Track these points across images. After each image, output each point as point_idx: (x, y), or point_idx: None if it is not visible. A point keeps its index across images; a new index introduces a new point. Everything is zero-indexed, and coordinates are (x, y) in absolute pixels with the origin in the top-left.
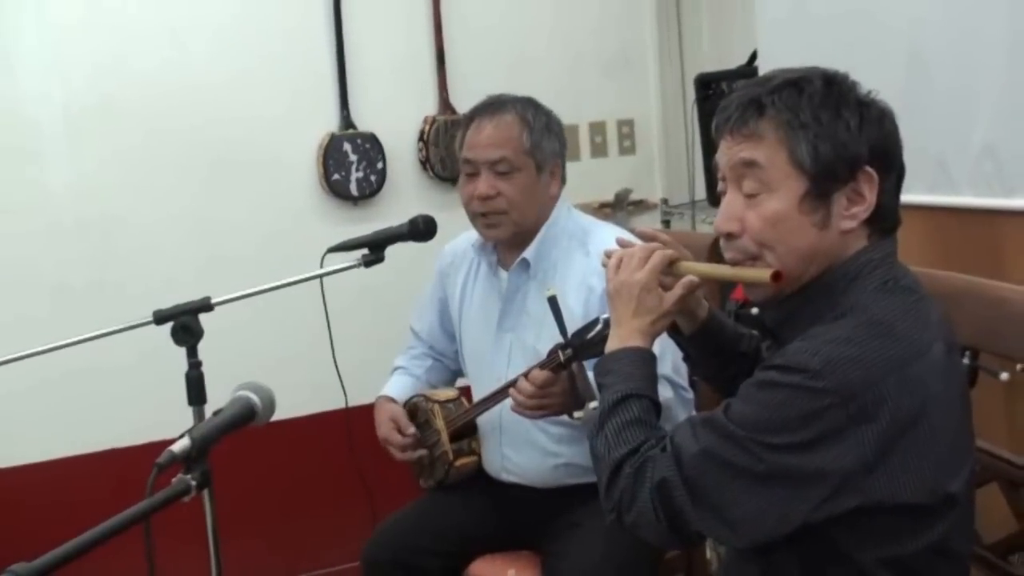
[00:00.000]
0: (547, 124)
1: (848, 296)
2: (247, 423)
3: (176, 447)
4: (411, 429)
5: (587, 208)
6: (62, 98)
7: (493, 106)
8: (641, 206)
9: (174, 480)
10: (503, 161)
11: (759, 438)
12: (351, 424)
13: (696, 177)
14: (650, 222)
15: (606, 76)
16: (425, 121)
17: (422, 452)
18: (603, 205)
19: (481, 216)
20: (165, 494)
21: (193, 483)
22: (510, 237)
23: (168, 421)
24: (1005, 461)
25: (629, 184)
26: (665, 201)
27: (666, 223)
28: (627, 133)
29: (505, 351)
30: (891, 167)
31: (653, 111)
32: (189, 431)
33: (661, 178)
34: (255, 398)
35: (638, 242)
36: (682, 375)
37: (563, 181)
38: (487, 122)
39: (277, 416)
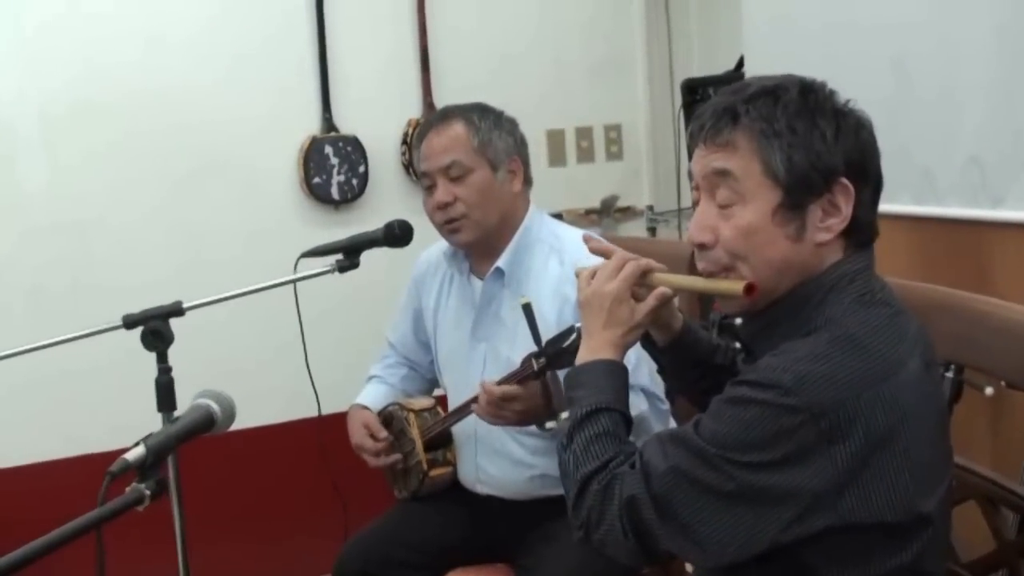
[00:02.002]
0: (496, 122)
1: (822, 310)
2: (205, 431)
3: (130, 455)
4: (383, 433)
5: (573, 214)
6: (37, 99)
7: (440, 117)
8: (628, 213)
9: (128, 489)
10: (454, 165)
11: (729, 456)
12: (324, 433)
13: (683, 184)
14: (636, 229)
15: (593, 80)
16: (409, 124)
17: (396, 457)
18: (589, 211)
19: (444, 224)
20: (117, 503)
21: (147, 492)
22: (477, 241)
23: (138, 428)
24: (983, 478)
25: (616, 190)
26: (651, 208)
27: (652, 230)
28: (614, 138)
29: (479, 360)
30: (867, 179)
31: (641, 116)
32: (144, 439)
33: (648, 184)
34: (214, 406)
35: (612, 247)
36: (658, 386)
37: (528, 181)
38: (435, 133)
39: (249, 424)
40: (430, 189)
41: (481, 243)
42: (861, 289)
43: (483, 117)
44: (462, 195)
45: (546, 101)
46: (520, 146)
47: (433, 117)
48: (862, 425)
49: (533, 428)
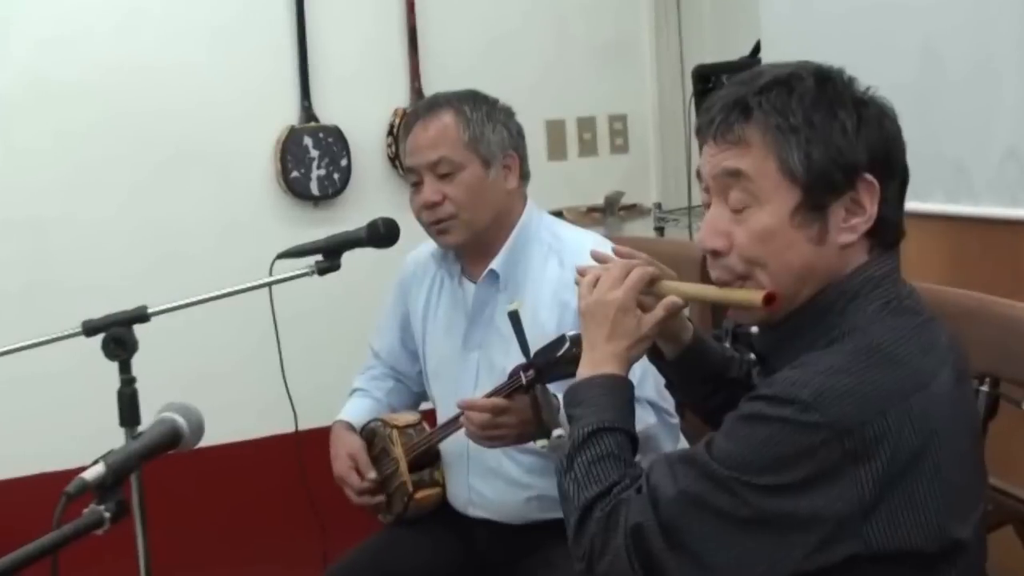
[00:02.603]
0: (488, 113)
1: (845, 318)
2: (171, 448)
3: (88, 474)
4: (372, 474)
5: (574, 213)
6: None
7: (427, 106)
8: (633, 211)
9: (85, 511)
10: (443, 162)
11: (744, 478)
12: (302, 450)
13: (694, 179)
14: (643, 229)
15: (597, 65)
16: (395, 113)
17: (379, 499)
18: (591, 209)
19: (432, 225)
20: (74, 527)
21: (107, 515)
22: (468, 242)
23: (98, 444)
24: (1021, 501)
25: (621, 186)
26: (659, 206)
27: (660, 230)
28: (619, 130)
29: (472, 371)
30: (893, 173)
31: (649, 106)
32: (104, 456)
33: (656, 180)
34: (180, 420)
35: (607, 249)
36: (667, 399)
37: (525, 176)
38: (422, 125)
39: (219, 440)
40: (416, 186)
41: (472, 245)
42: (887, 295)
43: (475, 108)
44: (451, 194)
45: (545, 88)
46: (516, 139)
47: (420, 106)
48: (889, 444)
49: (530, 444)
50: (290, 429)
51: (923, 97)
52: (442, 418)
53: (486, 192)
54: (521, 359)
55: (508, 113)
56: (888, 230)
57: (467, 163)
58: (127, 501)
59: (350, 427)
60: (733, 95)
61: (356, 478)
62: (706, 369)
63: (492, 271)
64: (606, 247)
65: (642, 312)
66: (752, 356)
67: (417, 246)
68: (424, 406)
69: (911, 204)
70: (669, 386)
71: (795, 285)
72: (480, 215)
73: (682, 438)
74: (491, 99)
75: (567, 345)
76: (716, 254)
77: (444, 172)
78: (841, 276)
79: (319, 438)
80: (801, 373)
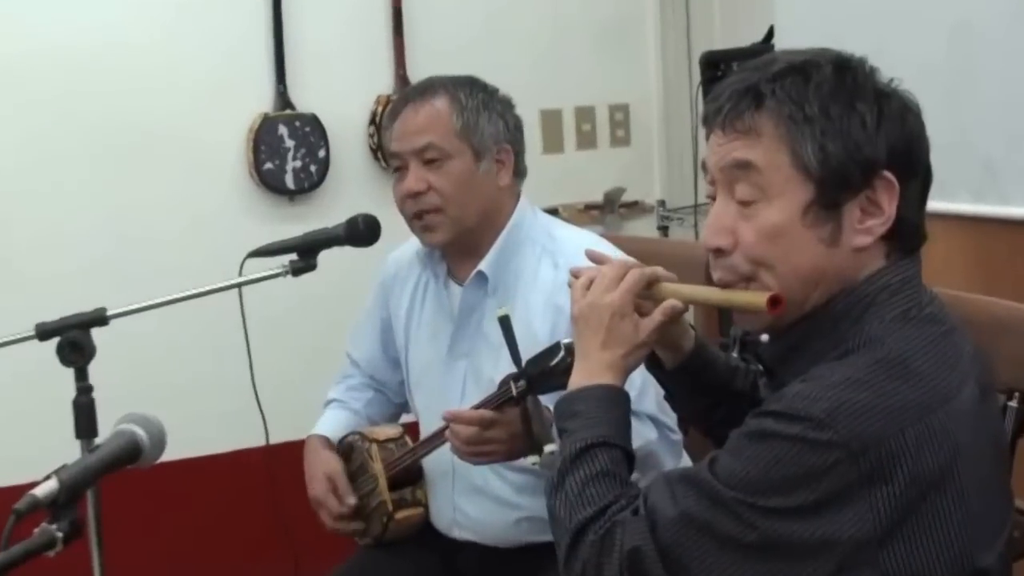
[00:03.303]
0: (485, 102)
1: (860, 328)
2: (130, 462)
3: (40, 490)
4: (351, 500)
5: (571, 210)
6: None
7: (420, 89)
8: (635, 208)
9: (36, 530)
10: (430, 148)
11: (750, 500)
12: (273, 465)
13: (701, 175)
14: (645, 228)
15: (597, 51)
16: (377, 101)
17: (357, 526)
18: (590, 207)
19: (415, 218)
20: (24, 547)
21: (60, 534)
22: (453, 240)
23: (51, 457)
24: None
25: (622, 182)
26: (663, 203)
27: (663, 230)
28: (621, 121)
29: (458, 381)
30: (914, 172)
31: (653, 95)
32: (57, 471)
33: (660, 175)
34: (140, 432)
35: (612, 255)
36: (669, 413)
37: (520, 173)
38: (412, 108)
39: (183, 454)
40: (400, 173)
41: (458, 244)
42: (906, 303)
43: (471, 95)
44: (437, 184)
45: (540, 75)
46: (513, 133)
47: (412, 89)
48: (908, 464)
49: (520, 461)
50: (260, 443)
51: (951, 88)
52: (425, 431)
53: (475, 186)
54: (511, 368)
55: (507, 104)
56: (907, 233)
57: (457, 153)
58: (82, 520)
59: (326, 442)
60: (744, 81)
61: (335, 502)
62: (709, 380)
63: (480, 273)
64: (605, 247)
65: (640, 317)
66: (755, 367)
67: (400, 245)
68: (406, 418)
69: (934, 203)
70: (668, 398)
71: (804, 289)
72: (467, 211)
73: (685, 456)
74: (490, 87)
75: (562, 354)
76: (719, 252)
77: (431, 158)
78: (855, 282)
79: (292, 453)
80: (813, 387)
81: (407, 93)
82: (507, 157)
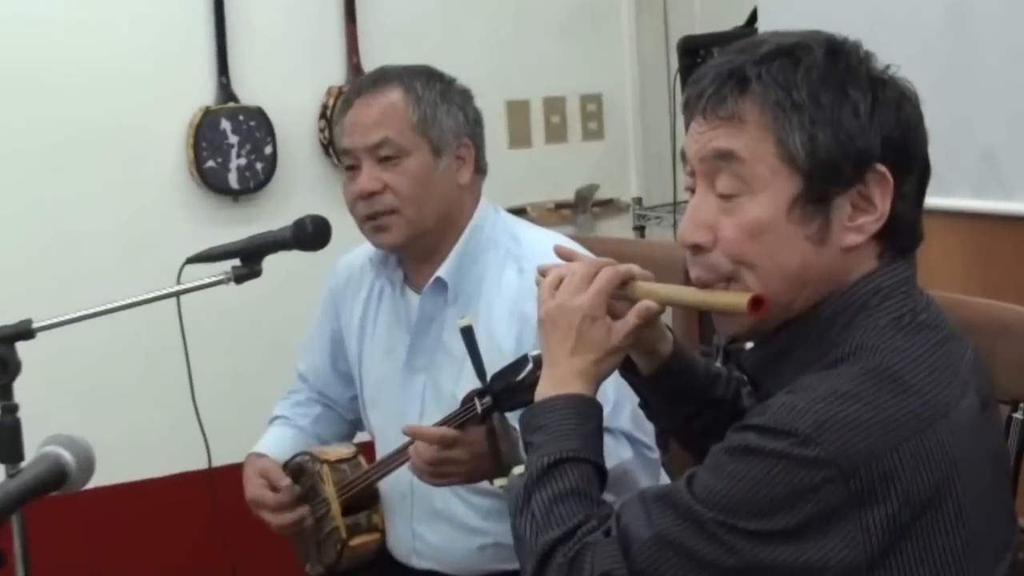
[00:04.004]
0: (443, 93)
1: (851, 334)
2: (56, 488)
3: None
4: (285, 481)
5: (539, 210)
6: None
7: (372, 80)
8: (610, 207)
9: None
10: (385, 144)
11: (731, 522)
12: (216, 490)
13: (680, 172)
14: (621, 228)
15: (567, 37)
16: (329, 92)
17: (303, 512)
18: (560, 205)
19: (368, 219)
20: None
21: None
22: (408, 244)
23: None
24: None
25: (595, 178)
26: (639, 201)
27: (640, 229)
28: (593, 112)
29: (416, 397)
30: (911, 166)
31: (627, 84)
32: None
33: (636, 171)
34: (66, 455)
35: (583, 253)
36: (645, 429)
37: (481, 170)
38: (364, 101)
39: (115, 479)
40: (352, 171)
41: (414, 247)
42: (900, 308)
43: (428, 85)
44: (392, 183)
45: (506, 63)
46: (472, 126)
47: (363, 80)
48: (901, 484)
49: (484, 484)
50: (202, 465)
51: (948, 72)
52: (381, 451)
53: (433, 184)
54: (474, 383)
55: (465, 96)
56: (902, 232)
57: (414, 148)
58: (6, 550)
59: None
60: (729, 64)
61: (269, 494)
62: (687, 387)
63: (439, 279)
64: (575, 249)
65: (612, 320)
66: (737, 374)
67: (352, 249)
68: (360, 437)
69: (932, 199)
70: (643, 406)
71: (789, 291)
72: (425, 211)
73: (663, 475)
74: (447, 78)
75: (530, 367)
76: (698, 249)
77: (386, 155)
78: (844, 284)
79: (236, 476)
80: (799, 399)
81: (358, 84)
82: (467, 153)
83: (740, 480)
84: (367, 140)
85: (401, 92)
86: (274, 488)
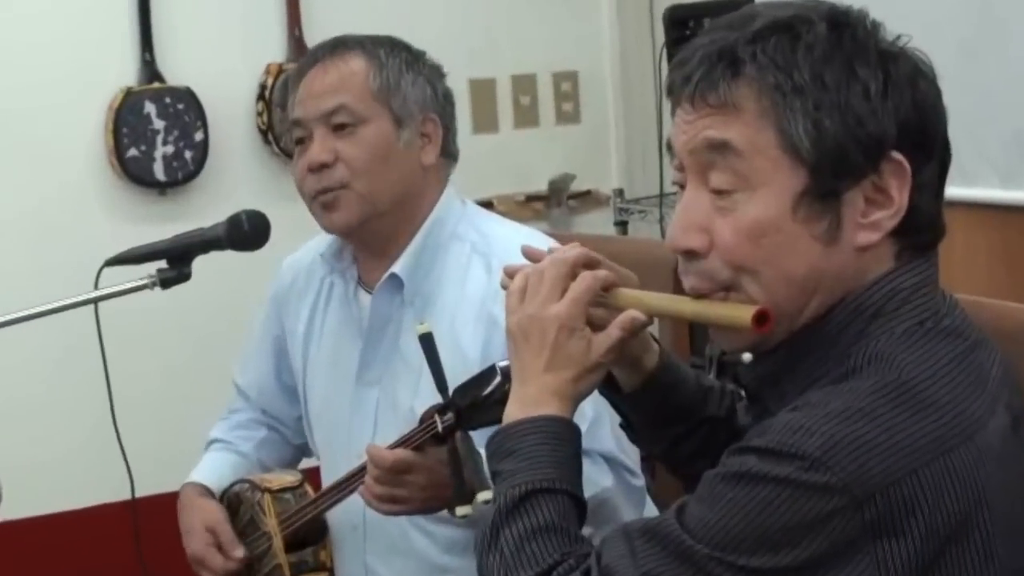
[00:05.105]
0: (408, 63)
1: (865, 344)
2: None
3: None
4: (238, 552)
5: (508, 203)
6: None
7: (331, 47)
8: (588, 199)
9: None
10: (340, 110)
11: (729, 558)
12: (140, 524)
13: (666, 160)
14: (600, 224)
15: (538, 7)
16: (267, 71)
17: None
18: (531, 198)
19: (316, 196)
20: None
21: None
22: (359, 225)
23: None
24: None
25: (571, 167)
26: (621, 193)
27: (622, 225)
28: (568, 92)
29: (370, 414)
30: (930, 152)
31: (606, 60)
32: None
33: (617, 159)
34: None
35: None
36: (629, 451)
37: (449, 154)
38: (321, 67)
39: (28, 512)
40: (302, 144)
41: (366, 231)
42: (920, 312)
43: (392, 53)
44: (346, 154)
45: (469, 37)
46: (442, 103)
47: (322, 45)
48: (923, 513)
49: (445, 514)
50: (124, 496)
51: (972, 46)
52: (329, 476)
53: (392, 158)
54: (436, 397)
55: (436, 71)
56: (922, 227)
57: (372, 117)
58: None
59: (205, 491)
60: (718, 43)
61: (218, 559)
62: (676, 405)
63: (394, 276)
64: (546, 244)
65: (592, 331)
66: (732, 388)
67: (297, 248)
68: (308, 463)
69: (953, 189)
70: (625, 427)
71: (796, 299)
72: (379, 187)
73: (649, 504)
74: (416, 50)
75: (498, 379)
76: (691, 255)
77: (341, 123)
78: (858, 288)
79: (162, 507)
80: (806, 417)
81: (315, 51)
82: (434, 131)
83: (739, 511)
84: (320, 107)
85: (363, 59)
86: (224, 551)
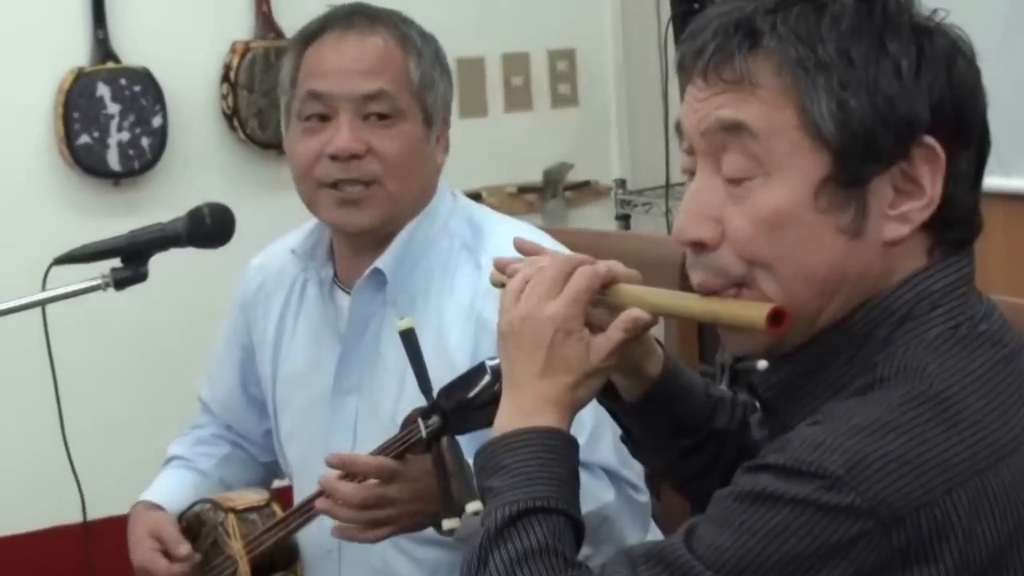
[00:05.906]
0: (438, 54)
1: (892, 351)
2: None
3: None
4: (184, 549)
5: (499, 194)
6: None
7: (357, 16)
8: (586, 191)
9: None
10: (382, 97)
11: None
12: (91, 547)
13: (674, 146)
14: (600, 218)
15: None
16: (233, 50)
17: None
18: (524, 189)
19: (334, 187)
20: None
21: None
22: (378, 228)
23: None
24: None
25: (568, 156)
26: (623, 184)
27: (624, 218)
28: (565, 73)
29: (349, 424)
30: (967, 138)
31: (607, 37)
32: None
33: (618, 146)
34: None
35: (552, 247)
36: (632, 464)
37: (447, 148)
38: (358, 36)
39: None
40: (321, 122)
41: (377, 234)
42: (954, 316)
43: (426, 42)
44: (382, 148)
45: (457, 12)
46: (450, 98)
47: (349, 8)
48: (957, 539)
49: (430, 531)
50: (76, 518)
51: (1017, 31)
52: (301, 494)
53: (422, 161)
54: (420, 401)
55: (447, 65)
56: (957, 220)
57: (410, 113)
58: None
59: (157, 508)
60: (735, 14)
61: (162, 563)
62: (682, 416)
63: (376, 271)
64: (545, 244)
65: (591, 333)
66: (744, 399)
67: (266, 248)
68: (279, 484)
69: (993, 180)
70: (626, 440)
71: (816, 298)
72: (408, 189)
73: (653, 524)
74: (430, 34)
75: (487, 379)
76: (700, 247)
77: (378, 112)
78: (886, 288)
79: (115, 531)
80: (827, 432)
81: (340, 16)
82: (445, 133)
83: (754, 534)
84: (358, 88)
85: (398, 41)
86: (168, 552)
